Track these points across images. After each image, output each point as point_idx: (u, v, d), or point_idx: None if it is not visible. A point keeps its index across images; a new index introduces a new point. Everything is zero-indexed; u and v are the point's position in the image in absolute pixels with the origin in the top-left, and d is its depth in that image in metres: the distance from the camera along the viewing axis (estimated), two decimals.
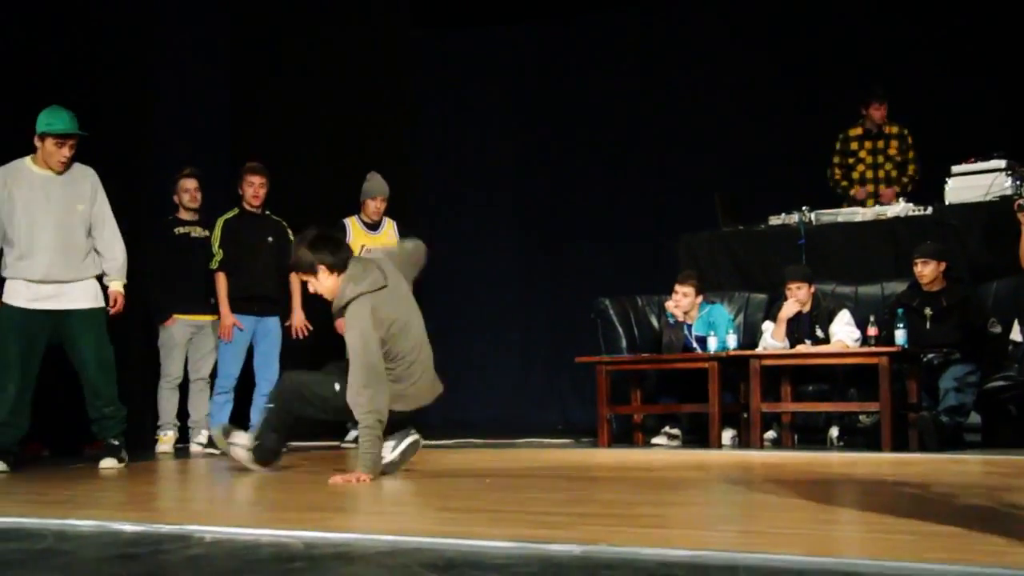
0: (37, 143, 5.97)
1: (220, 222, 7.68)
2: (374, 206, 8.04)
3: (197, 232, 7.83)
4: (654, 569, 2.22)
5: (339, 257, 5.10)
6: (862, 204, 8.70)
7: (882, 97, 8.91)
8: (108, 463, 6.04)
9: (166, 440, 7.69)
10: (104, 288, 6.22)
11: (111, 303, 6.19)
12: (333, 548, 2.61)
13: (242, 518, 3.46)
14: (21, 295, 5.94)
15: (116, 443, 6.15)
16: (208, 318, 7.84)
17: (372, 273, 5.06)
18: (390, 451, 5.02)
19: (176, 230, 7.81)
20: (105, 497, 4.13)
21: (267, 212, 7.84)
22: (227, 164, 8.75)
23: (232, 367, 7.69)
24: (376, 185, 8.06)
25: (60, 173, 6.02)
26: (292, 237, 7.78)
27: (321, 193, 8.84)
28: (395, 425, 5.02)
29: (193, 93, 9.26)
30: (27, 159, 6.03)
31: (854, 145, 9.06)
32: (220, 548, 2.67)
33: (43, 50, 7.62)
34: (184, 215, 7.84)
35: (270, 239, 7.74)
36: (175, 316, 7.72)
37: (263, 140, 9.45)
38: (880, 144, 8.98)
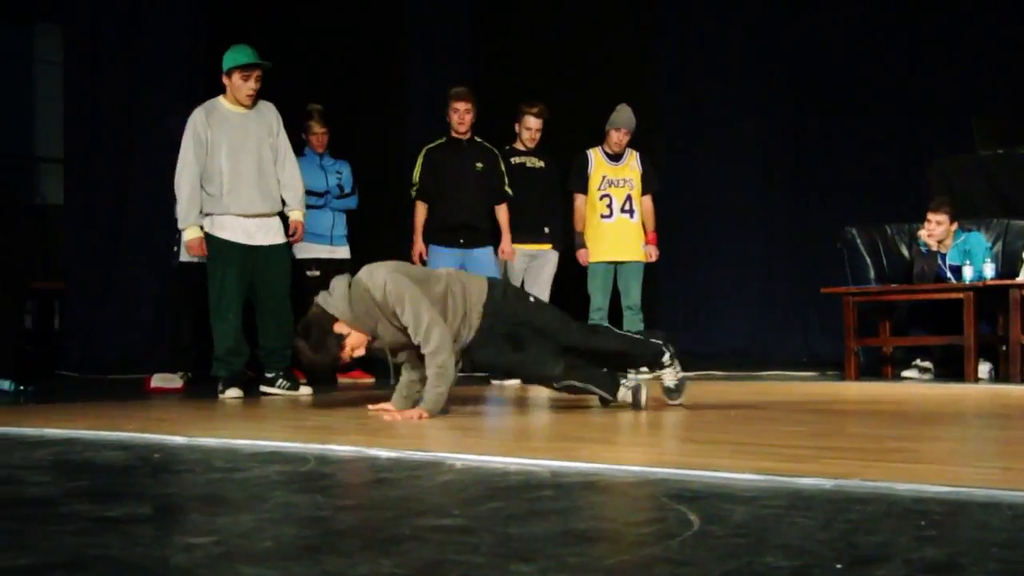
0: (225, 81, 6.28)
1: (423, 151, 7.68)
2: (617, 137, 8.01)
3: (532, 163, 8.02)
4: (909, 505, 2.16)
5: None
6: None
7: None
8: (270, 390, 6.34)
9: None
10: (284, 219, 6.49)
11: (291, 232, 6.45)
12: (581, 477, 2.64)
13: (492, 447, 3.54)
14: (232, 229, 6.22)
15: (274, 375, 6.40)
16: (543, 247, 7.99)
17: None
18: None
19: (512, 160, 8.01)
20: (363, 425, 4.30)
21: (476, 139, 7.79)
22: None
23: None
24: (622, 117, 8.01)
25: (249, 107, 6.29)
26: (503, 165, 7.80)
27: (563, 124, 8.83)
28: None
29: (438, 25, 9.54)
30: (219, 98, 6.33)
31: None
32: (470, 475, 2.74)
33: None
34: (520, 146, 8.03)
35: (479, 166, 7.68)
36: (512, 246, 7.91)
37: (504, 72, 9.55)
38: None
